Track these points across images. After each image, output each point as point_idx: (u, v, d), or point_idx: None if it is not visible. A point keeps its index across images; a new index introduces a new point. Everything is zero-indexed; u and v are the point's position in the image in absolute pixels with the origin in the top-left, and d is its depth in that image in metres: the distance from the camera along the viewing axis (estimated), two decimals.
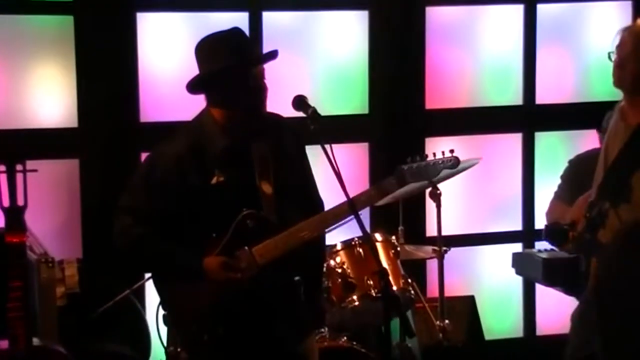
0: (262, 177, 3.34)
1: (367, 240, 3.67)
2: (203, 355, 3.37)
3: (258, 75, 3.35)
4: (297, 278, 3.36)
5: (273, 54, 3.39)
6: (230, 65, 3.30)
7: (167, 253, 3.35)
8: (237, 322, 3.32)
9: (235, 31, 3.44)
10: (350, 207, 3.15)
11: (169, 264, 3.36)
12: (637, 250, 1.68)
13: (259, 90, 3.35)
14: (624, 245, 1.70)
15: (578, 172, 3.82)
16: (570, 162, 4.23)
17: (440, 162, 3.36)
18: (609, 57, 3.60)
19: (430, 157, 3.37)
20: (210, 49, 3.37)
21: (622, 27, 3.65)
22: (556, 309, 5.49)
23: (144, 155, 5.02)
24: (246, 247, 3.29)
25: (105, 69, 4.91)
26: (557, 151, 5.65)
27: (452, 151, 3.37)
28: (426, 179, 3.44)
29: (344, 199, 3.18)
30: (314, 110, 3.24)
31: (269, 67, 3.42)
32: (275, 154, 3.36)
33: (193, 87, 3.42)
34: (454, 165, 3.35)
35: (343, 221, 3.35)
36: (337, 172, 3.11)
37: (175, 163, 3.33)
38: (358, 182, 5.02)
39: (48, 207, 4.79)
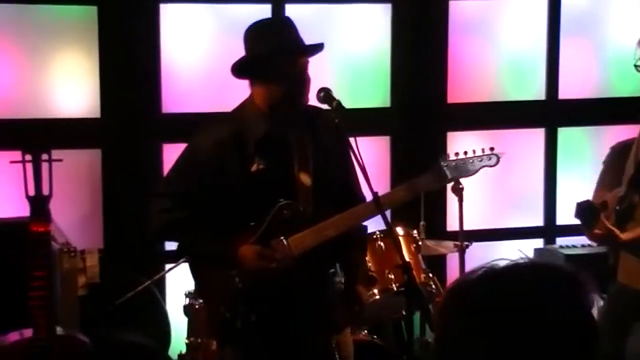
0: (301, 167, 3.35)
1: (390, 234, 3.66)
2: (235, 342, 3.38)
3: (302, 66, 3.34)
4: (332, 270, 3.36)
5: (320, 47, 3.39)
6: (278, 50, 3.29)
7: (203, 239, 3.37)
8: (270, 310, 3.33)
9: (286, 20, 3.47)
10: (377, 203, 3.13)
11: (204, 250, 3.38)
12: (462, 308, 1.55)
13: (302, 80, 3.33)
14: (449, 302, 1.57)
15: (620, 159, 3.78)
16: (613, 148, 4.21)
17: (480, 158, 3.35)
18: (636, 69, 3.58)
19: (470, 154, 3.36)
20: (259, 33, 3.38)
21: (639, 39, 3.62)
22: None
23: (165, 147, 5.04)
24: (282, 238, 3.29)
25: (128, 60, 4.92)
26: (579, 147, 5.62)
27: (492, 148, 3.36)
28: (465, 175, 3.43)
29: (376, 190, 3.17)
30: (339, 103, 3.24)
31: None
32: (315, 146, 3.35)
33: (239, 70, 3.40)
34: (494, 162, 3.35)
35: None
36: (362, 166, 3.11)
37: (216, 149, 3.34)
38: (379, 175, 5.00)
39: (69, 198, 4.80)
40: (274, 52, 3.30)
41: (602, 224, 3.49)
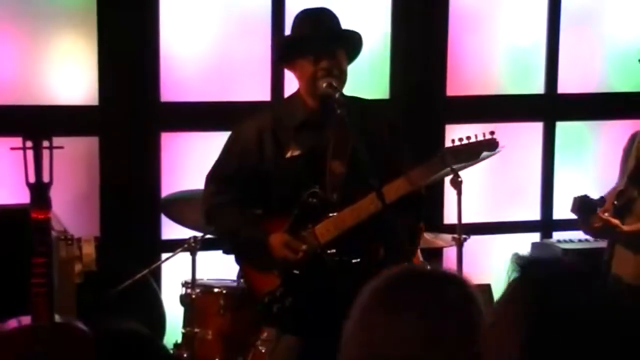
0: (335, 156, 3.36)
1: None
2: (274, 326, 3.50)
3: (339, 56, 3.39)
4: (356, 260, 3.38)
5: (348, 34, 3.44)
6: (307, 35, 3.36)
7: (237, 227, 3.45)
8: (302, 296, 3.38)
9: (332, 12, 3.51)
10: (380, 195, 3.14)
11: (237, 238, 3.47)
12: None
13: (337, 69, 3.39)
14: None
15: (637, 147, 3.78)
16: (632, 136, 4.21)
17: (479, 144, 3.37)
18: None
19: (472, 139, 3.38)
20: (303, 18, 3.45)
21: None
22: None
23: (164, 135, 5.03)
24: (310, 226, 3.33)
25: (127, 48, 4.90)
26: (577, 141, 5.63)
27: (492, 132, 3.38)
28: (468, 160, 3.44)
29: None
30: (342, 94, 3.25)
31: None
32: (358, 136, 3.35)
33: (276, 56, 3.46)
34: (492, 147, 3.36)
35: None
36: (364, 159, 3.13)
37: (256, 135, 3.43)
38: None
39: (67, 185, 4.78)
40: (309, 35, 3.37)
41: (600, 218, 3.49)
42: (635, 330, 1.40)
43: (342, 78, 3.41)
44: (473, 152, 3.40)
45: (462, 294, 1.66)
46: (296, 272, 3.38)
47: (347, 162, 3.39)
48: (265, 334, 3.88)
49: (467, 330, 1.61)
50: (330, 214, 3.37)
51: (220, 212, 3.48)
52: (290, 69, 3.50)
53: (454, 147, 3.38)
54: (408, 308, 1.63)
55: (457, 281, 1.69)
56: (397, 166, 3.44)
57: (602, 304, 1.40)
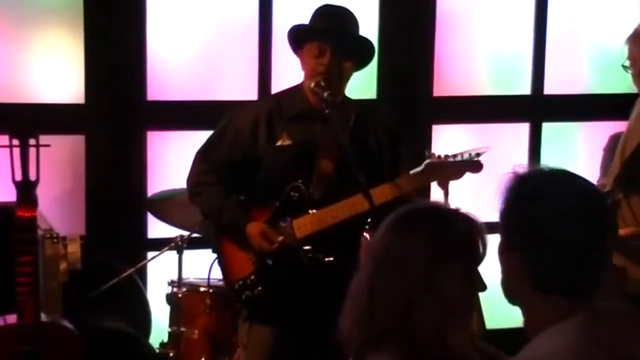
0: (325, 154, 3.36)
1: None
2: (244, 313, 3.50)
3: (345, 62, 3.39)
4: (330, 259, 3.39)
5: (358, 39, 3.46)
6: (332, 30, 3.36)
7: (222, 207, 3.45)
8: (273, 287, 3.40)
9: (353, 15, 3.51)
10: (368, 196, 3.15)
11: (220, 218, 3.47)
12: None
13: (338, 67, 3.39)
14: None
15: (622, 150, 3.80)
16: (612, 136, 4.22)
17: (463, 163, 3.41)
18: (625, 69, 3.58)
19: (459, 157, 3.41)
20: (323, 11, 3.47)
21: (627, 37, 3.62)
22: None
23: (150, 134, 5.02)
24: (289, 219, 3.33)
25: (114, 46, 4.88)
26: (563, 142, 5.65)
27: (478, 155, 3.41)
28: (450, 178, 3.48)
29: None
30: (330, 94, 3.25)
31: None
32: (352, 139, 3.36)
33: (298, 37, 3.44)
34: (476, 169, 3.40)
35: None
36: (352, 158, 3.13)
37: (251, 121, 3.44)
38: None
39: (52, 183, 4.76)
40: (327, 30, 3.37)
41: None
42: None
43: (339, 82, 3.41)
44: (457, 171, 3.45)
45: (471, 226, 2.14)
46: (269, 262, 3.38)
47: (337, 163, 3.39)
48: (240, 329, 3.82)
49: (469, 252, 2.08)
50: (310, 210, 3.37)
51: (207, 191, 3.49)
52: (299, 57, 3.50)
53: (439, 162, 3.40)
54: (421, 227, 2.04)
55: (468, 217, 2.16)
56: (395, 173, 3.45)
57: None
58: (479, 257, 2.10)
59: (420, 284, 1.99)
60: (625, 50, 3.60)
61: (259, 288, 3.41)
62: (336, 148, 3.38)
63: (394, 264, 2.01)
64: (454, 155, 3.42)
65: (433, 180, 3.50)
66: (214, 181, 3.49)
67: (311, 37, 3.39)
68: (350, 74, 3.45)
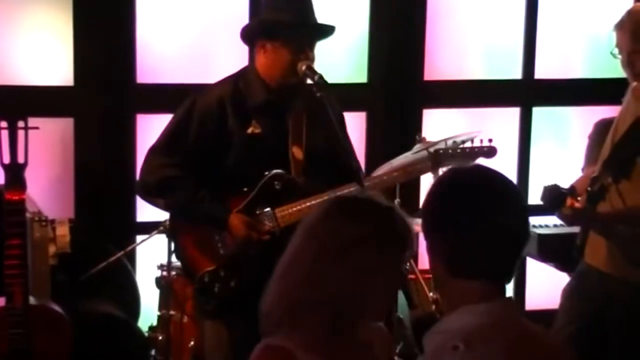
0: (294, 140, 3.35)
1: None
2: (209, 307, 3.38)
3: (312, 43, 3.36)
4: None
5: (332, 30, 3.41)
6: (296, 23, 3.31)
7: (195, 199, 3.37)
8: (249, 278, 3.32)
9: None
10: (361, 185, 3.14)
11: (194, 212, 3.38)
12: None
13: (302, 58, 3.34)
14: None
15: (604, 134, 3.80)
16: (597, 123, 4.22)
17: (476, 149, 3.40)
18: (613, 56, 3.58)
19: (468, 143, 3.39)
20: (287, 2, 3.39)
21: (615, 24, 3.61)
22: (546, 285, 5.50)
23: (139, 117, 4.99)
24: (269, 208, 3.30)
25: (103, 28, 4.85)
26: (554, 126, 5.65)
27: (490, 140, 3.39)
28: (461, 163, 3.46)
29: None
30: (321, 77, 3.24)
31: None
32: (310, 120, 3.35)
33: (248, 31, 3.39)
34: (491, 155, 3.39)
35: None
36: (343, 140, 3.11)
37: (216, 106, 3.36)
38: (355, 150, 4.98)
39: (41, 166, 4.74)
40: (298, 23, 3.32)
41: (569, 207, 3.50)
42: None
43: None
44: (469, 157, 3.43)
45: (407, 223, 2.19)
46: (252, 253, 3.32)
47: (305, 149, 3.36)
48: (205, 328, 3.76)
49: (404, 247, 2.16)
50: (296, 199, 3.33)
51: (175, 185, 3.40)
52: (259, 48, 3.42)
53: (450, 150, 3.40)
54: (369, 216, 2.12)
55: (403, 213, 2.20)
56: (343, 155, 3.44)
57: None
58: (409, 254, 2.18)
59: (358, 272, 2.06)
60: (613, 37, 3.60)
61: (232, 282, 3.35)
62: (302, 134, 3.35)
63: (339, 249, 2.06)
64: (463, 141, 3.41)
65: (443, 167, 3.48)
66: (179, 174, 3.38)
67: (287, 33, 3.35)
68: None
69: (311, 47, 3.36)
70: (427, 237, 2.04)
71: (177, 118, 3.46)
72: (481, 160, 3.47)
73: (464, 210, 1.98)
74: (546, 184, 3.55)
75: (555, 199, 3.52)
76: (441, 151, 3.40)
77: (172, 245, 3.54)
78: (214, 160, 3.38)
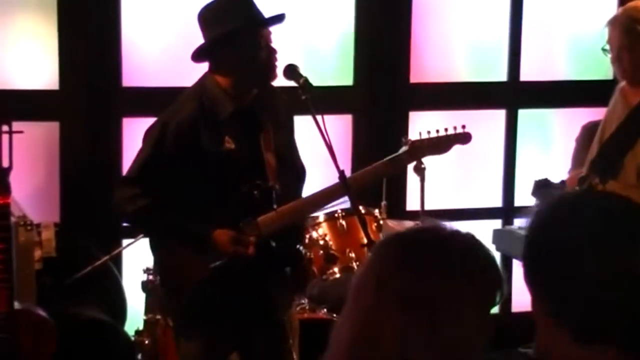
0: (266, 147, 3.33)
1: (353, 213, 3.67)
2: (192, 324, 3.36)
3: (266, 38, 3.30)
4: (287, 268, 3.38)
5: (280, 17, 3.35)
6: (238, 28, 3.24)
7: (177, 223, 3.31)
8: (234, 292, 3.31)
9: None
10: (345, 185, 3.14)
11: (178, 234, 3.32)
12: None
13: (269, 53, 3.30)
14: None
15: (591, 137, 3.81)
16: (584, 126, 4.23)
17: (452, 136, 3.38)
18: (604, 53, 3.59)
19: (442, 132, 3.38)
20: (215, 14, 3.33)
21: (608, 20, 3.63)
22: None
23: (125, 120, 4.98)
24: (251, 217, 3.28)
25: (89, 31, 4.84)
26: (539, 129, 5.66)
27: (463, 126, 3.38)
28: (438, 152, 3.44)
29: (334, 170, 3.17)
30: (306, 80, 3.22)
31: None
32: (273, 123, 3.33)
33: (198, 55, 3.34)
34: (465, 140, 3.38)
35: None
36: (329, 144, 3.10)
37: (189, 127, 3.29)
38: (341, 153, 4.98)
39: (26, 170, 4.72)
40: (235, 30, 3.26)
41: None
42: None
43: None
44: (443, 146, 3.41)
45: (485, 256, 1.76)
46: (241, 266, 3.28)
47: (276, 154, 3.35)
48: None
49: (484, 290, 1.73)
50: (275, 206, 3.31)
51: (154, 213, 3.33)
52: (214, 61, 3.37)
53: (423, 140, 3.38)
54: (430, 262, 1.71)
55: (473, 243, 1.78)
56: (293, 151, 3.47)
57: None
58: (495, 293, 1.76)
59: (425, 323, 1.70)
60: (605, 33, 3.61)
61: (219, 293, 3.32)
62: (270, 140, 3.34)
63: (401, 301, 1.71)
64: (437, 130, 3.40)
65: (419, 158, 3.46)
66: (154, 202, 3.30)
67: (247, 32, 3.28)
68: None
69: (266, 36, 3.30)
70: (534, 288, 1.57)
71: (150, 144, 3.37)
72: (457, 147, 3.47)
73: (599, 254, 1.47)
74: (537, 179, 3.56)
75: (546, 193, 3.52)
76: (417, 142, 3.39)
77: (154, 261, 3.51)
78: (192, 179, 3.32)
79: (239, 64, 3.31)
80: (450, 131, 3.41)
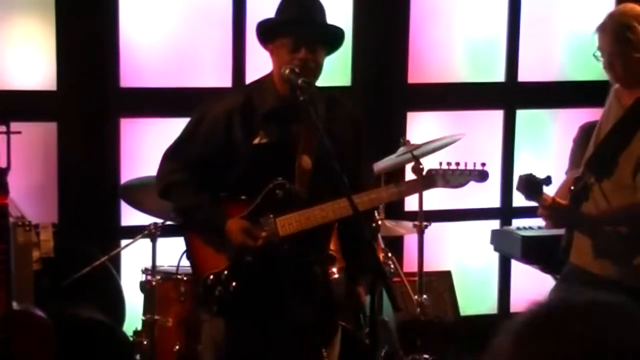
0: (304, 150, 3.33)
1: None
2: (212, 308, 3.42)
3: (318, 50, 3.33)
4: (308, 257, 3.37)
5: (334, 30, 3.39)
6: (289, 19, 3.30)
7: (196, 205, 3.39)
8: (250, 283, 3.35)
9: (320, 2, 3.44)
10: (352, 204, 3.13)
11: (195, 216, 3.40)
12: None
13: (314, 62, 3.33)
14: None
15: (588, 138, 3.81)
16: (581, 127, 4.23)
17: (468, 172, 3.40)
18: (596, 58, 3.59)
19: (462, 166, 3.41)
20: (290, 2, 3.38)
21: (597, 26, 3.62)
22: (531, 287, 5.51)
23: (123, 121, 4.98)
24: (271, 216, 3.30)
25: (86, 32, 4.84)
26: (537, 129, 5.67)
27: (483, 164, 3.40)
28: (453, 186, 3.47)
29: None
30: (305, 81, 3.22)
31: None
32: (326, 132, 3.31)
33: (264, 33, 3.37)
34: (482, 179, 3.40)
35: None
36: (328, 146, 3.11)
37: (224, 117, 3.36)
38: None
39: (24, 171, 4.72)
40: (291, 20, 3.30)
41: (546, 198, 3.50)
42: None
43: (316, 71, 3.34)
44: (461, 180, 3.43)
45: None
46: (249, 258, 3.33)
47: (315, 158, 3.35)
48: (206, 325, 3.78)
49: None
50: (296, 209, 3.32)
51: (179, 190, 3.42)
52: (269, 50, 3.40)
53: (444, 170, 3.41)
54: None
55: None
56: (356, 165, 3.43)
57: None
58: None
59: None
60: (595, 39, 3.61)
61: (234, 284, 3.36)
62: (313, 143, 3.34)
63: None
64: (457, 163, 3.42)
65: (431, 188, 3.49)
66: (185, 180, 3.40)
67: (284, 31, 3.31)
68: (323, 63, 3.41)
69: (310, 47, 3.29)
70: None
71: (188, 125, 3.48)
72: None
73: None
74: (521, 174, 3.56)
75: (531, 188, 3.52)
76: (434, 172, 3.41)
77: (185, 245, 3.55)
78: (219, 170, 3.39)
79: (276, 58, 3.36)
80: (470, 166, 3.42)
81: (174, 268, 4.40)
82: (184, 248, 3.57)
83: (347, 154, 3.37)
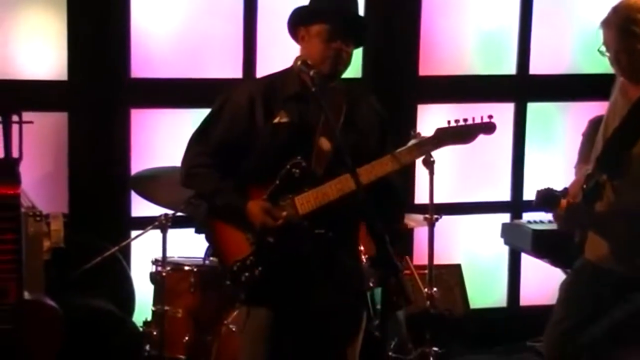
0: (324, 132, 3.33)
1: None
2: (241, 296, 3.44)
3: (350, 43, 3.34)
4: (330, 233, 3.36)
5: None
6: (328, 9, 3.30)
7: (219, 189, 3.40)
8: (275, 268, 3.35)
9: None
10: (356, 179, 3.14)
11: (217, 201, 3.41)
12: None
13: (347, 53, 3.34)
14: None
15: (596, 132, 3.79)
16: (591, 120, 4.22)
17: (476, 125, 3.36)
18: (601, 54, 3.57)
19: (469, 121, 3.37)
20: None
21: (601, 21, 3.59)
22: (540, 281, 5.51)
23: (133, 112, 4.99)
24: (290, 196, 3.31)
25: (97, 23, 4.84)
26: (548, 122, 5.65)
27: (490, 116, 3.36)
28: (462, 142, 3.42)
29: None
30: (316, 72, 3.23)
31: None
32: (348, 119, 3.32)
33: (289, 20, 3.39)
34: (490, 130, 3.36)
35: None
36: (337, 137, 3.10)
37: (247, 102, 3.38)
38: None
39: (35, 161, 4.74)
40: (331, 10, 3.31)
41: (562, 205, 3.49)
42: None
43: (347, 63, 3.37)
44: (469, 134, 3.39)
45: None
46: (270, 240, 3.35)
47: (335, 141, 3.36)
48: (236, 312, 3.85)
49: None
50: (312, 187, 3.34)
51: (201, 173, 3.43)
52: (300, 36, 3.41)
53: (449, 127, 3.37)
54: None
55: None
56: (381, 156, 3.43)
57: None
58: None
59: None
60: (600, 34, 3.58)
61: (259, 268, 3.38)
62: (334, 128, 3.33)
63: None
64: (465, 119, 3.38)
65: (443, 146, 3.44)
66: (208, 163, 3.42)
67: (322, 18, 3.32)
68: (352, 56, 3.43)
69: (345, 40, 3.31)
70: None
71: (212, 110, 3.50)
72: (480, 137, 3.44)
73: None
74: (539, 188, 3.54)
75: (549, 202, 3.51)
76: (442, 130, 3.37)
77: (207, 237, 3.56)
78: (243, 155, 3.41)
79: (307, 45, 3.36)
80: (477, 120, 3.38)
81: (184, 259, 4.42)
82: (206, 245, 3.57)
83: (371, 146, 3.39)
